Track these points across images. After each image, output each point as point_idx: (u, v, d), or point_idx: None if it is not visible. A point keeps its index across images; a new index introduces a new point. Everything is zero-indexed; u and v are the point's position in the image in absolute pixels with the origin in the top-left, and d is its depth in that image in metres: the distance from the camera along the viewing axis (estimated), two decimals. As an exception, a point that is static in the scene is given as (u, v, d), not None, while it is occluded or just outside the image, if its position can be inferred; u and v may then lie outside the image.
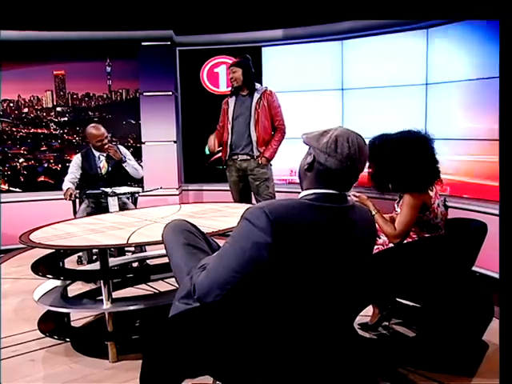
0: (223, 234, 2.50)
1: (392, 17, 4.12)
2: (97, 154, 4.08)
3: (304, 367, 1.52)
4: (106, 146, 3.99)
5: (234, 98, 4.10)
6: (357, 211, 1.55)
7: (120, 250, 3.70)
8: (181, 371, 1.65)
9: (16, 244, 4.70)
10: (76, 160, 4.11)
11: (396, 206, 2.64)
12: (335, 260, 1.49)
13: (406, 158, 2.40)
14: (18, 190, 5.24)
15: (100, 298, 2.79)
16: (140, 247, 3.78)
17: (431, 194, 2.48)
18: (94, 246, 2.48)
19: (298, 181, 1.63)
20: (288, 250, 1.40)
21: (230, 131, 4.07)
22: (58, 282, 2.82)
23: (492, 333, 2.51)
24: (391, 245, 2.54)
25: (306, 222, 1.42)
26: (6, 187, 5.20)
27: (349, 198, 1.56)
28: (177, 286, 3.26)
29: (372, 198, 2.69)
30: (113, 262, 3.16)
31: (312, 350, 1.53)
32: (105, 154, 4.07)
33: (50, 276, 2.64)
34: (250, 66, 4.06)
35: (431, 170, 2.46)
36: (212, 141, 4.17)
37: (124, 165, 4.02)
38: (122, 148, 4.21)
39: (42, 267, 2.66)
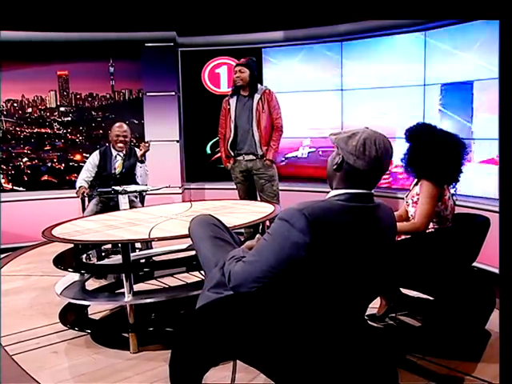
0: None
1: (391, 17, 4.23)
2: (114, 153, 4.16)
3: (326, 354, 1.63)
4: (143, 143, 4.14)
5: (234, 98, 4.20)
6: (381, 209, 1.68)
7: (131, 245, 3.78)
8: (211, 358, 1.76)
9: (20, 242, 4.85)
10: (94, 157, 4.17)
11: (406, 198, 2.78)
12: (363, 255, 1.61)
13: (445, 151, 2.55)
14: (21, 189, 5.29)
15: (118, 291, 2.91)
16: (146, 244, 3.88)
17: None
18: (118, 241, 2.57)
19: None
20: (324, 249, 1.51)
21: (233, 131, 4.18)
22: (75, 277, 2.90)
23: (494, 322, 2.63)
24: (399, 238, 2.67)
25: (340, 222, 1.54)
26: (9, 186, 5.25)
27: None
28: (186, 280, 3.40)
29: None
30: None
31: (332, 339, 1.64)
32: (122, 154, 4.16)
33: (71, 270, 2.72)
34: (255, 68, 4.18)
35: (457, 172, 2.63)
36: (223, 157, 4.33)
37: (139, 165, 4.13)
38: (139, 152, 4.28)
39: (65, 262, 2.74)
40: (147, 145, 4.16)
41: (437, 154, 2.54)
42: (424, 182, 2.58)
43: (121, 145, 4.13)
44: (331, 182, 1.69)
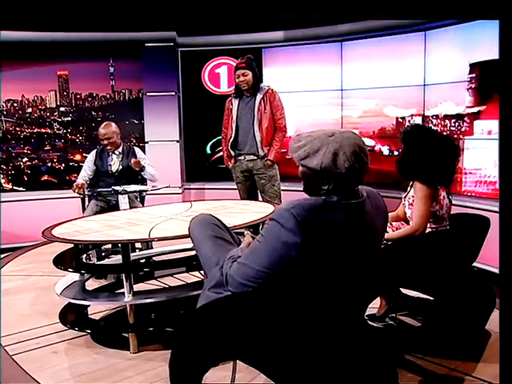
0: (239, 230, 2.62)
1: (391, 17, 4.22)
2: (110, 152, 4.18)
3: (326, 354, 1.63)
4: (132, 161, 4.06)
5: (238, 98, 4.20)
6: (370, 200, 1.65)
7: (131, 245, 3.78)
8: (211, 358, 1.76)
9: (20, 242, 4.85)
10: (90, 156, 4.22)
11: (403, 199, 2.78)
12: (355, 252, 1.61)
13: (439, 153, 2.56)
14: (21, 189, 5.29)
15: (118, 291, 2.90)
16: (147, 244, 3.88)
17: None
18: (118, 241, 2.57)
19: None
20: (315, 248, 1.51)
21: (234, 131, 4.17)
22: (75, 277, 2.90)
23: (494, 322, 2.64)
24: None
25: (329, 220, 1.54)
26: (9, 186, 5.25)
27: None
28: (186, 280, 3.41)
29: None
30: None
31: (331, 339, 1.64)
32: (117, 153, 4.18)
33: (71, 270, 2.72)
34: (256, 66, 4.15)
35: (451, 174, 2.65)
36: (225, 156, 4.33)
37: (143, 173, 4.14)
38: (138, 151, 4.31)
39: (65, 262, 2.74)
40: (138, 163, 4.07)
41: (428, 155, 2.55)
42: (416, 183, 2.58)
43: (109, 147, 4.14)
44: (310, 190, 1.66)
